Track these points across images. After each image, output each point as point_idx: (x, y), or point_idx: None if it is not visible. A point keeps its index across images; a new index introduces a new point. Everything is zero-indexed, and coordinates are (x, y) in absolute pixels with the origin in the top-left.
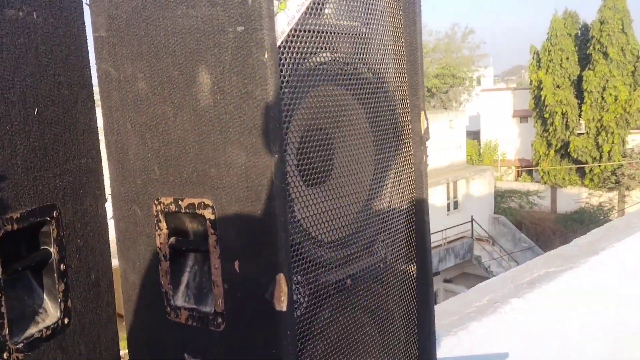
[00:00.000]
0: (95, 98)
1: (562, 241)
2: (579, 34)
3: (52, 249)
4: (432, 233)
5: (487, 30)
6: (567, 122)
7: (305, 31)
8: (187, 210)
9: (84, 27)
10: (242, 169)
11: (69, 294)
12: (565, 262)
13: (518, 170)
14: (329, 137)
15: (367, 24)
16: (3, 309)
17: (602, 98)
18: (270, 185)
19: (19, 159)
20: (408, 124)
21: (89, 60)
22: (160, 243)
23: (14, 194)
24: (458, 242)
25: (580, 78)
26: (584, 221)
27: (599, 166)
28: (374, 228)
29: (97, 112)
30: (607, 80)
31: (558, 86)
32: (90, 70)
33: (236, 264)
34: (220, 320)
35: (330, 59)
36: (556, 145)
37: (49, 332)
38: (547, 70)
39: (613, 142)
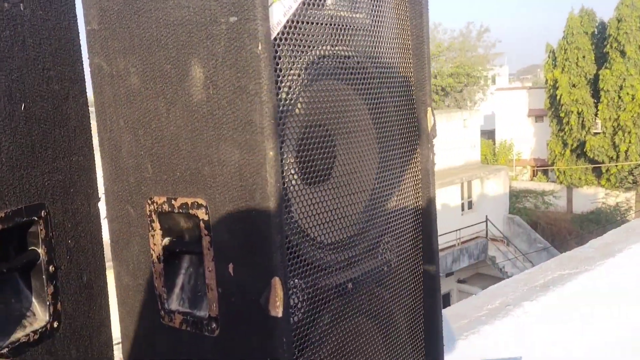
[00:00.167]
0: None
1: (578, 242)
2: (596, 32)
3: (40, 250)
4: (446, 233)
5: (502, 28)
6: (583, 121)
7: (304, 23)
8: (181, 210)
9: (76, 20)
10: (235, 167)
11: (58, 296)
12: (580, 264)
13: (533, 170)
14: (329, 133)
15: (371, 15)
16: None
17: (619, 97)
18: (264, 184)
19: (3, 156)
20: (414, 121)
21: (81, 55)
22: (154, 244)
23: None
24: (472, 242)
25: (596, 77)
26: (600, 222)
27: (616, 166)
28: (378, 229)
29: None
30: (624, 79)
31: (574, 85)
32: (82, 64)
33: (230, 266)
34: (214, 325)
35: (331, 52)
36: (572, 145)
37: (36, 337)
38: (563, 69)
39: (630, 142)
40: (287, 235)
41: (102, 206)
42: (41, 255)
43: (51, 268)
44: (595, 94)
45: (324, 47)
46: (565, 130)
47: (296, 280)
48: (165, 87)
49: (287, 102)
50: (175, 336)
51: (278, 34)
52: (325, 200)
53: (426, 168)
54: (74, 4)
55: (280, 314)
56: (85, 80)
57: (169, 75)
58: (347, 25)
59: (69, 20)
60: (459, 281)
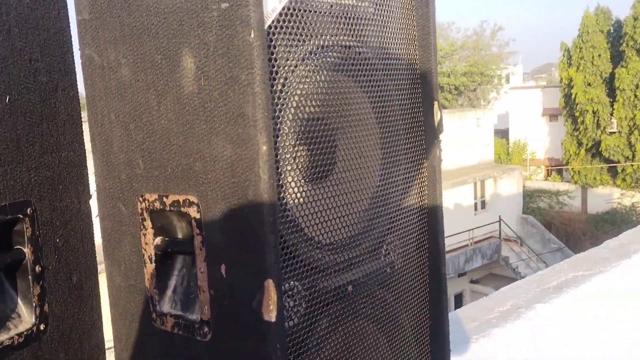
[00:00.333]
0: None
1: (593, 242)
2: (612, 31)
3: (26, 249)
4: (459, 233)
5: (516, 27)
6: (598, 120)
7: (302, 10)
8: (172, 208)
9: (66, 9)
10: (227, 162)
11: (45, 297)
12: (594, 265)
13: (548, 170)
14: (330, 128)
15: (375, 4)
16: None
17: (635, 96)
18: (257, 180)
19: None
20: (420, 115)
21: (71, 46)
22: (145, 244)
23: None
24: (485, 242)
25: (612, 76)
26: (615, 222)
27: (632, 165)
28: (381, 229)
29: None
30: None
31: (589, 84)
32: (73, 56)
33: (223, 268)
34: (206, 329)
35: (332, 42)
36: (587, 144)
37: (21, 340)
38: (578, 68)
39: None
40: (282, 234)
41: (94, 204)
42: (27, 254)
43: (38, 268)
44: (611, 92)
45: (324, 37)
46: (580, 129)
47: (292, 282)
48: (156, 79)
49: (283, 94)
50: (168, 340)
51: (273, 21)
52: (325, 198)
53: (432, 165)
54: None
55: (273, 318)
56: (76, 72)
57: (160, 66)
58: (349, 14)
59: (59, 10)
60: (472, 281)
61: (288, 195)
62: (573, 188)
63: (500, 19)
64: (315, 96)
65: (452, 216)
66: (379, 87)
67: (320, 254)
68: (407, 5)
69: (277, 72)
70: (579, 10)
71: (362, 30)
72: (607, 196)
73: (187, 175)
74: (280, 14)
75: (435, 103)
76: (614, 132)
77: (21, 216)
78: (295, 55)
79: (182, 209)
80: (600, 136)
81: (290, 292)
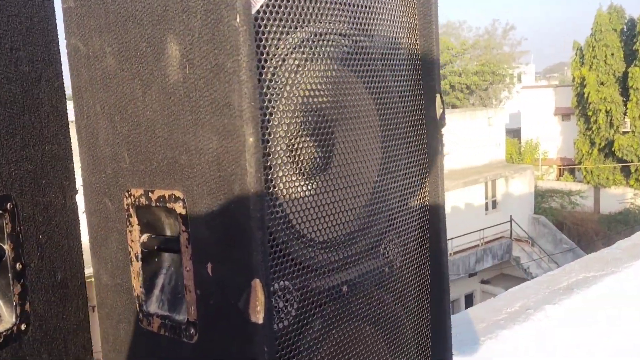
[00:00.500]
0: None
1: (605, 243)
2: (625, 29)
3: (6, 246)
4: (470, 233)
5: (528, 26)
6: (611, 120)
7: None
8: (158, 204)
9: None
10: (213, 155)
11: (27, 296)
12: (606, 265)
13: (560, 170)
14: (327, 120)
15: None
16: None
17: None
18: (243, 173)
19: None
20: (421, 108)
21: (56, 35)
22: (132, 241)
23: None
24: (496, 242)
25: (625, 75)
26: (628, 222)
27: None
28: (380, 227)
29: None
30: None
31: (602, 83)
32: (58, 45)
33: (209, 266)
34: (192, 330)
35: (327, 30)
36: (600, 144)
37: (0, 340)
38: (590, 67)
39: None
40: (272, 231)
41: (81, 199)
42: (7, 251)
43: (18, 265)
44: (624, 92)
45: (319, 24)
46: (593, 129)
47: (283, 282)
48: (141, 68)
49: (273, 83)
50: (154, 341)
51: (262, 6)
52: (320, 193)
53: (434, 160)
54: None
55: (261, 320)
56: (63, 62)
57: (145, 54)
58: (346, 0)
59: None
60: (483, 282)
61: (279, 190)
62: (585, 188)
63: (512, 18)
64: (309, 87)
65: (463, 216)
66: (378, 78)
67: (313, 252)
68: None
69: (266, 60)
70: (591, 9)
71: (360, 17)
72: (620, 196)
73: (173, 169)
74: None
75: (438, 95)
76: (627, 132)
77: (1, 211)
78: (288, 43)
79: (167, 205)
80: (613, 136)
81: (280, 293)
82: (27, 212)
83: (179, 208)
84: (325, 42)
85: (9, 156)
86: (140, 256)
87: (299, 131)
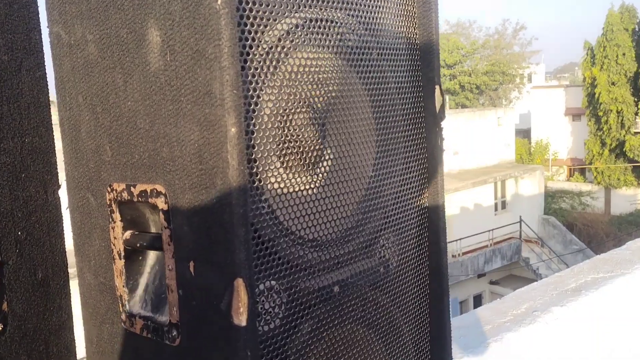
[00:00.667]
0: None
1: (616, 244)
2: (637, 29)
3: None
4: (479, 233)
5: (539, 26)
6: (622, 120)
7: None
8: (140, 199)
9: None
10: (194, 147)
11: (4, 295)
12: (615, 267)
13: (570, 170)
14: (318, 111)
15: None
16: None
17: None
18: (225, 166)
19: None
20: (419, 100)
21: (38, 22)
22: (114, 238)
23: None
24: (505, 243)
25: (637, 75)
26: (639, 223)
27: None
28: (375, 224)
29: None
30: None
31: (613, 83)
32: (40, 33)
33: (191, 265)
34: (175, 333)
35: (320, 16)
36: (611, 145)
37: None
38: (601, 67)
39: None
40: (257, 228)
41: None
42: None
43: None
44: (636, 92)
45: (311, 10)
46: (604, 129)
47: (269, 282)
48: (122, 56)
49: (260, 71)
50: (138, 343)
51: None
52: (310, 188)
53: (433, 155)
54: None
55: (244, 322)
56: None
57: (126, 41)
58: None
59: None
60: (492, 282)
61: (265, 185)
62: (596, 189)
63: (522, 18)
64: (299, 76)
65: (472, 216)
66: (373, 68)
67: (303, 250)
68: None
69: (251, 47)
70: (603, 8)
71: (354, 4)
72: (631, 197)
73: (155, 163)
74: None
75: (437, 87)
76: (639, 132)
77: None
78: (276, 30)
79: (149, 200)
80: (624, 136)
81: (266, 293)
82: (4, 207)
83: (160, 203)
84: (316, 30)
85: None
86: (123, 254)
87: (288, 123)
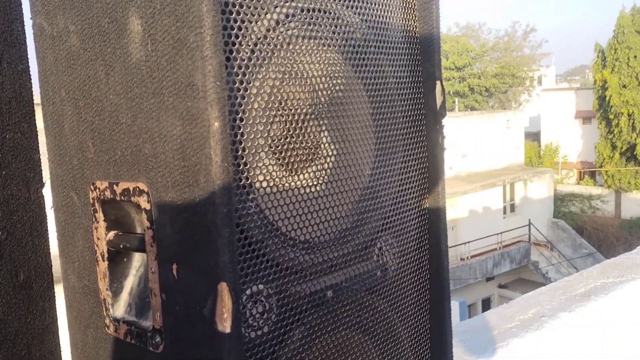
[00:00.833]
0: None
1: (626, 248)
2: None
3: None
4: (487, 236)
5: (549, 28)
6: (633, 123)
7: None
8: (123, 198)
9: None
10: (177, 142)
11: None
12: (626, 271)
13: (580, 173)
14: (313, 105)
15: None
16: None
17: None
18: (208, 163)
19: None
20: (420, 96)
21: (21, 13)
22: (97, 238)
23: None
24: (514, 246)
25: None
26: None
27: None
28: (372, 226)
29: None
30: None
31: (624, 86)
32: (23, 25)
33: (174, 268)
34: (158, 339)
35: (314, 6)
36: (621, 148)
37: None
38: (612, 69)
39: None
40: (244, 229)
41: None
42: None
43: None
44: None
45: (305, 0)
46: (615, 132)
47: (257, 286)
48: (103, 47)
49: (248, 62)
50: (122, 348)
51: None
52: (303, 187)
53: (434, 154)
54: None
55: (228, 329)
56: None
57: (107, 31)
58: None
59: None
60: (500, 286)
61: (253, 183)
62: (606, 192)
63: (532, 20)
64: (291, 68)
65: (481, 219)
66: (371, 62)
67: (294, 252)
68: None
69: (237, 37)
70: (614, 10)
71: None
72: None
73: (137, 159)
74: None
75: (438, 82)
76: None
77: None
78: (266, 19)
79: (132, 199)
80: (635, 139)
81: (254, 297)
82: None
83: (143, 202)
84: (311, 20)
85: None
86: (106, 255)
87: (279, 118)
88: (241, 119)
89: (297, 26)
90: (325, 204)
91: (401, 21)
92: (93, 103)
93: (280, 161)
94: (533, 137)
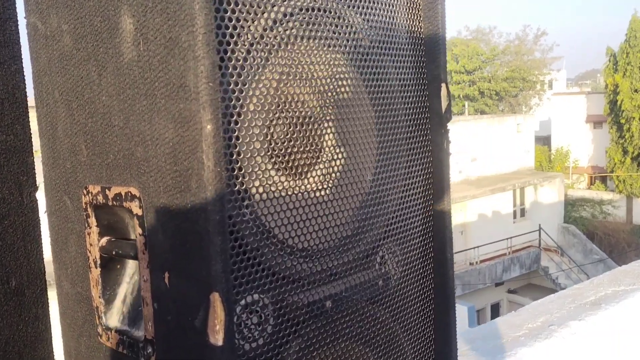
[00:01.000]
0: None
1: (638, 254)
2: None
3: None
4: (497, 241)
5: (560, 32)
6: None
7: None
8: (115, 202)
9: None
10: (169, 146)
11: None
12: (637, 279)
13: (591, 178)
14: (313, 109)
15: None
16: None
17: None
18: (200, 168)
19: None
20: (424, 99)
21: (14, 13)
22: (90, 244)
23: None
24: (524, 251)
25: None
26: None
27: None
28: (375, 233)
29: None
30: None
31: (636, 90)
32: (16, 24)
33: (166, 276)
34: (150, 350)
35: (314, 5)
36: (633, 153)
37: None
38: (624, 74)
39: None
40: (239, 236)
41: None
42: None
43: None
44: None
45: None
46: (626, 137)
47: (252, 296)
48: (96, 47)
49: (244, 62)
50: (114, 358)
51: None
52: (302, 192)
53: (439, 158)
54: None
55: (220, 341)
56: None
57: (99, 30)
58: None
59: None
60: (510, 291)
61: (249, 188)
62: (618, 197)
63: (543, 24)
64: (292, 69)
65: (490, 224)
66: (374, 63)
67: (291, 261)
68: None
69: (232, 36)
70: (626, 14)
71: None
72: None
73: (129, 163)
74: None
75: (443, 85)
76: None
77: None
78: (264, 18)
79: (124, 204)
80: None
81: (250, 308)
82: None
83: (135, 207)
84: (311, 20)
85: None
86: (99, 262)
87: (277, 121)
88: (236, 122)
89: (297, 26)
90: (325, 211)
91: (405, 21)
92: (86, 105)
93: (280, 165)
94: (543, 141)
